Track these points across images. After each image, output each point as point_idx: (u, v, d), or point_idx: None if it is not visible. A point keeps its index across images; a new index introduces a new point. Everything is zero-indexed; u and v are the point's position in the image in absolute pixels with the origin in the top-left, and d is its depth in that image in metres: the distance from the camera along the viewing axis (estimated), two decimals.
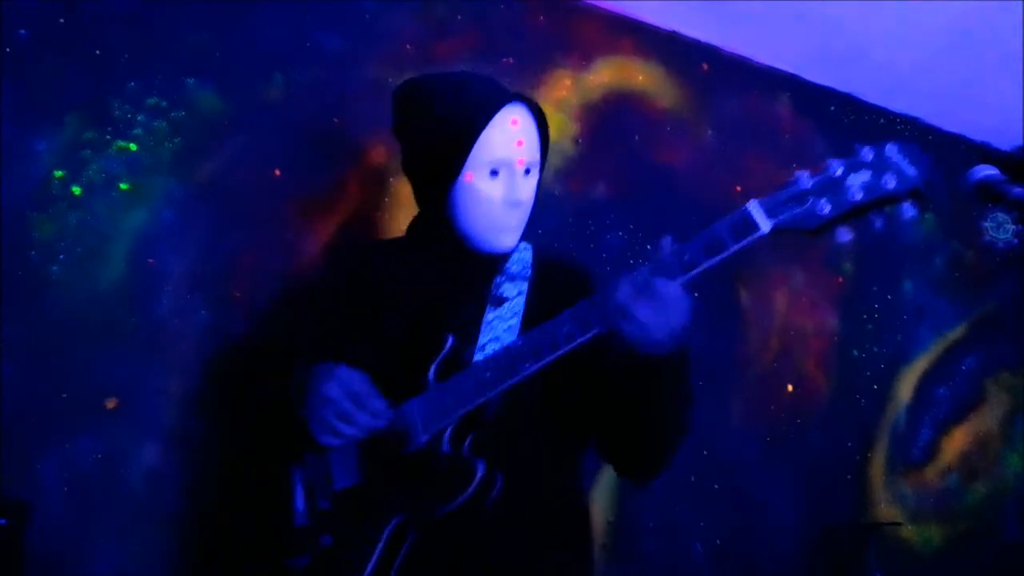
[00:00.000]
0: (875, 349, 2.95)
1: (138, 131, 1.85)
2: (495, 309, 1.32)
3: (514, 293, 1.34)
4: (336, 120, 2.07)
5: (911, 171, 1.00)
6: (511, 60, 2.36)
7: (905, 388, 2.99)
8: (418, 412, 1.21)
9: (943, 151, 3.17)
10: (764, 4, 2.56)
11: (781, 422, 2.67)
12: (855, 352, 2.90)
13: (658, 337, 1.06)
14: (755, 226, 1.04)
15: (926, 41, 2.71)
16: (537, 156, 1.35)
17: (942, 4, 2.53)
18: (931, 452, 3.01)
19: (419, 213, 1.44)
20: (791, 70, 2.93)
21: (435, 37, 2.24)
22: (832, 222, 1.03)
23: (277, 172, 1.97)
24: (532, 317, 1.26)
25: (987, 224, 1.16)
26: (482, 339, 1.28)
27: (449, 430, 1.20)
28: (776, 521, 2.59)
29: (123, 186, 1.82)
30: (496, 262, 1.37)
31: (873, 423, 2.89)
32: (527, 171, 1.32)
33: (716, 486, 2.48)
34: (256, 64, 2.00)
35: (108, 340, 1.74)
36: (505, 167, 1.29)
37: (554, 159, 2.32)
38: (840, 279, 2.92)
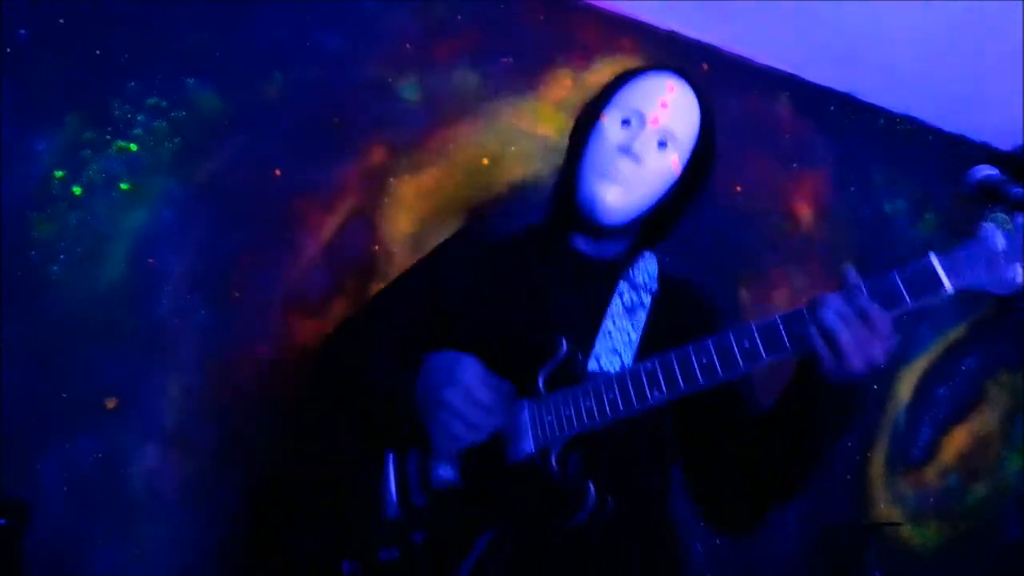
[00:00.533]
0: None
1: (138, 131, 1.85)
2: (616, 319, 1.23)
3: (637, 304, 1.25)
4: (336, 120, 2.07)
5: None
6: (511, 60, 2.36)
7: (905, 388, 2.99)
8: (527, 420, 1.12)
9: (943, 151, 3.17)
10: (764, 4, 2.56)
11: None
12: None
13: (854, 369, 0.96)
14: (939, 283, 0.95)
15: (926, 41, 2.71)
16: (684, 136, 1.25)
17: (942, 4, 2.53)
18: (931, 452, 3.01)
19: (557, 176, 1.34)
20: (791, 70, 2.93)
21: (435, 37, 2.24)
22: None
23: (277, 172, 1.97)
24: (653, 334, 1.19)
25: (987, 224, 1.16)
26: (597, 348, 1.19)
27: (558, 446, 1.11)
28: (776, 521, 2.58)
29: (123, 186, 1.82)
30: (617, 260, 1.30)
31: (873, 423, 2.88)
32: (663, 143, 1.24)
33: None
34: (256, 64, 2.00)
35: (108, 340, 1.74)
36: (637, 118, 1.24)
37: (554, 158, 2.31)
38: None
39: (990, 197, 1.08)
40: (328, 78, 2.08)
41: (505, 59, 2.35)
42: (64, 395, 1.68)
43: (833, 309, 0.98)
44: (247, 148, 1.95)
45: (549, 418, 1.10)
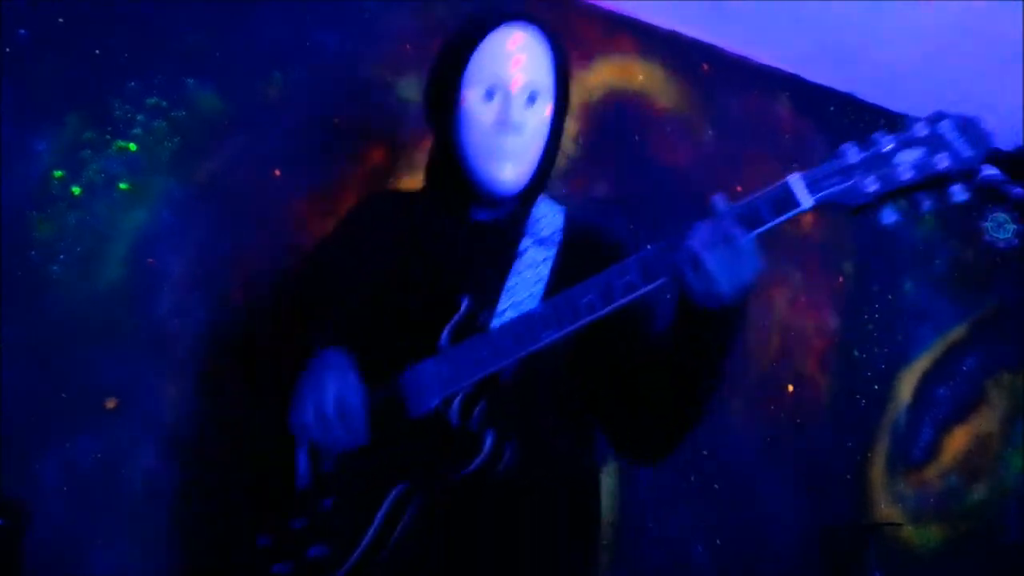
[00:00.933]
0: (875, 349, 2.95)
1: (138, 131, 1.85)
2: (518, 273, 1.25)
3: (540, 258, 1.27)
4: (336, 120, 2.07)
5: (967, 152, 0.95)
6: None
7: (905, 388, 2.99)
8: (429, 375, 1.16)
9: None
10: (764, 4, 2.56)
11: (781, 422, 2.67)
12: (855, 352, 2.90)
13: (723, 290, 1.00)
14: (795, 202, 1.01)
15: (926, 41, 2.71)
16: (546, 83, 1.26)
17: (942, 4, 2.53)
18: (931, 452, 3.01)
19: (431, 150, 1.36)
20: (791, 70, 2.93)
21: (434, 36, 2.23)
22: (877, 200, 0.99)
23: (277, 172, 1.97)
24: (557, 284, 1.20)
25: (987, 224, 1.16)
26: (502, 304, 1.21)
27: (460, 396, 1.15)
28: (776, 521, 2.59)
29: (123, 186, 1.82)
30: (517, 214, 1.31)
31: (873, 423, 2.88)
32: (531, 99, 1.24)
33: (716, 486, 2.48)
34: (256, 64, 2.00)
35: (108, 340, 1.74)
36: (500, 88, 1.22)
37: None
38: (840, 279, 2.92)
39: (991, 197, 1.08)
40: (328, 78, 2.08)
41: None
42: (64, 395, 1.68)
43: (699, 236, 1.01)
44: (247, 148, 1.95)
45: (449, 370, 1.14)
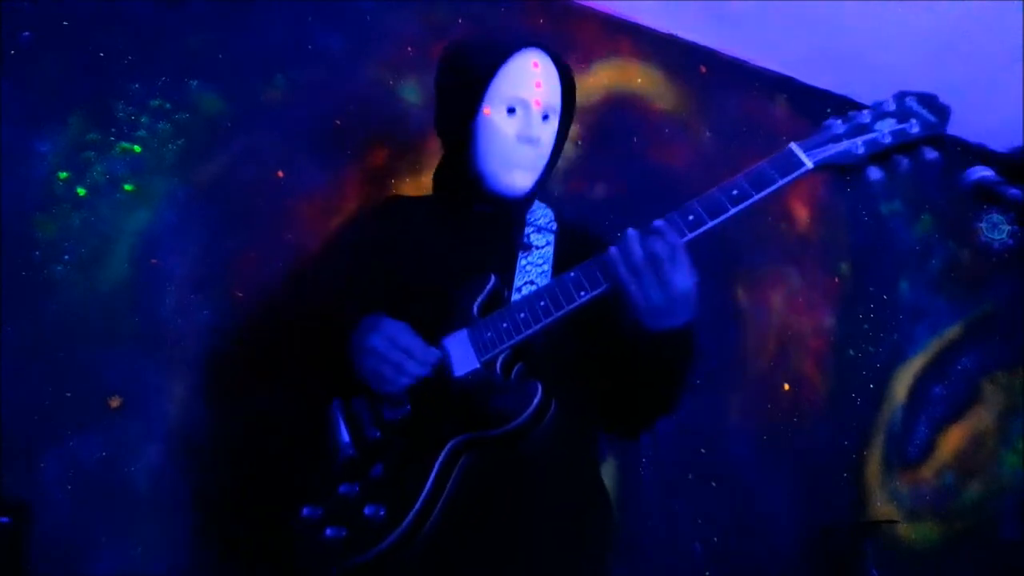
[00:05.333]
0: (871, 349, 2.96)
1: (142, 132, 1.86)
2: (527, 255, 1.39)
3: (543, 243, 1.42)
4: (338, 122, 2.08)
5: (932, 118, 1.11)
6: None
7: (901, 387, 3.01)
8: (468, 341, 1.24)
9: (940, 152, 3.18)
10: (761, 6, 2.58)
11: (778, 421, 2.68)
12: (852, 352, 2.92)
13: (657, 305, 1.14)
14: (800, 162, 1.14)
15: (923, 42, 2.72)
16: (557, 104, 1.42)
17: (941, 4, 2.54)
18: (927, 451, 3.03)
19: (443, 158, 1.50)
20: (788, 72, 2.95)
21: (436, 39, 2.25)
22: (865, 161, 1.13)
23: (280, 173, 1.98)
24: (561, 264, 1.34)
25: (983, 225, 1.19)
26: (517, 281, 1.35)
27: (500, 359, 1.24)
28: (773, 520, 2.60)
29: (127, 187, 1.83)
30: (520, 208, 1.45)
31: (870, 422, 2.90)
32: (545, 116, 1.39)
33: (713, 485, 2.50)
34: (258, 66, 2.01)
35: (112, 339, 1.75)
36: (522, 105, 1.37)
37: None
38: (837, 279, 2.93)
39: (986, 198, 1.11)
40: (330, 80, 2.09)
41: None
42: (68, 394, 1.69)
43: (634, 251, 1.16)
44: (250, 150, 1.96)
45: (489, 334, 1.24)
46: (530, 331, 1.21)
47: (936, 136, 1.11)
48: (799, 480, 2.68)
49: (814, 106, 2.98)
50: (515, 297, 1.32)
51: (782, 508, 2.63)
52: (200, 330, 1.83)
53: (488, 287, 1.29)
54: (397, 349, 1.20)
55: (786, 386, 2.73)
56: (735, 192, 1.17)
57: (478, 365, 1.23)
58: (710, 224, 1.17)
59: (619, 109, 2.57)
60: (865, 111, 1.15)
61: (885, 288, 3.04)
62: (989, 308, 3.28)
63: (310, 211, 2.00)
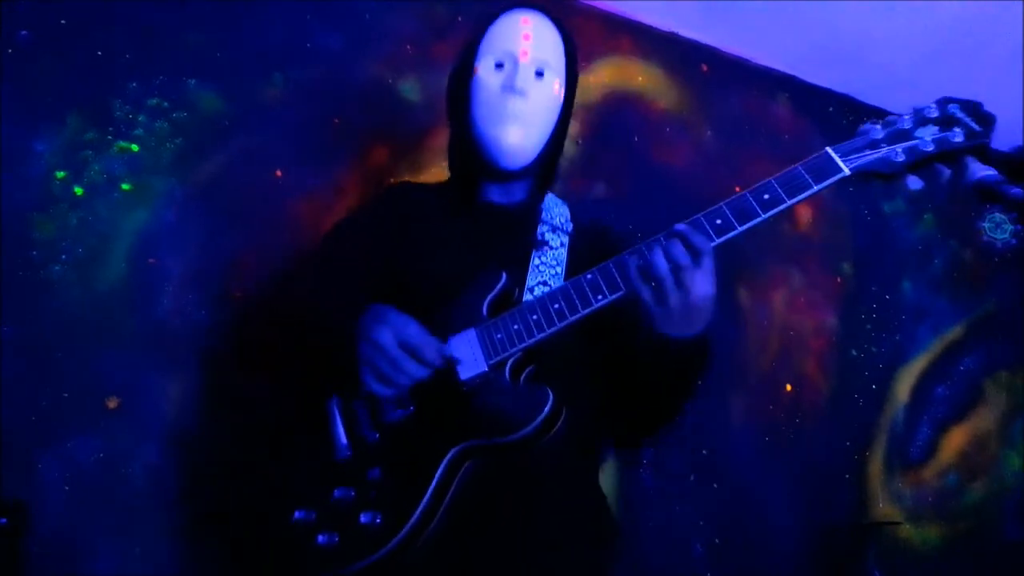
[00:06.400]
0: (874, 349, 2.95)
1: (139, 132, 1.85)
2: (540, 254, 1.34)
3: (557, 243, 1.36)
4: (336, 121, 2.07)
5: (977, 127, 1.06)
6: None
7: (904, 388, 3.00)
8: (476, 342, 1.18)
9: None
10: (763, 5, 2.57)
11: (780, 422, 2.67)
12: (854, 352, 2.91)
13: (675, 312, 1.09)
14: (837, 168, 1.08)
15: (925, 41, 2.71)
16: (554, 61, 1.36)
17: (942, 4, 2.53)
18: (930, 452, 3.02)
19: (450, 135, 1.44)
20: (790, 71, 2.94)
21: (435, 38, 2.25)
22: (904, 169, 1.07)
23: (278, 172, 1.98)
24: (575, 266, 1.29)
25: (985, 224, 1.18)
26: (530, 281, 1.29)
27: (510, 362, 1.17)
28: (775, 520, 2.59)
29: (124, 186, 1.82)
30: (531, 197, 1.40)
31: (872, 423, 2.89)
32: (539, 73, 1.34)
33: (715, 485, 2.49)
34: (257, 65, 2.01)
35: (109, 340, 1.75)
36: (509, 59, 1.33)
37: None
38: (839, 279, 2.92)
39: (988, 197, 1.09)
40: (329, 79, 2.09)
41: None
42: (65, 394, 1.69)
43: (657, 258, 1.10)
44: (248, 149, 1.95)
45: (499, 336, 1.17)
46: (543, 335, 1.15)
47: (980, 146, 1.04)
48: (801, 481, 2.67)
49: (816, 105, 2.98)
50: (527, 298, 1.25)
51: (784, 509, 2.62)
52: (198, 330, 1.83)
53: (499, 285, 1.22)
54: (402, 346, 1.12)
55: (788, 386, 2.72)
56: (767, 196, 1.10)
57: (486, 368, 1.16)
58: (740, 229, 1.11)
59: (620, 108, 2.56)
60: (905, 116, 1.08)
61: (887, 288, 3.03)
62: (992, 308, 3.26)
63: (309, 211, 1.99)
